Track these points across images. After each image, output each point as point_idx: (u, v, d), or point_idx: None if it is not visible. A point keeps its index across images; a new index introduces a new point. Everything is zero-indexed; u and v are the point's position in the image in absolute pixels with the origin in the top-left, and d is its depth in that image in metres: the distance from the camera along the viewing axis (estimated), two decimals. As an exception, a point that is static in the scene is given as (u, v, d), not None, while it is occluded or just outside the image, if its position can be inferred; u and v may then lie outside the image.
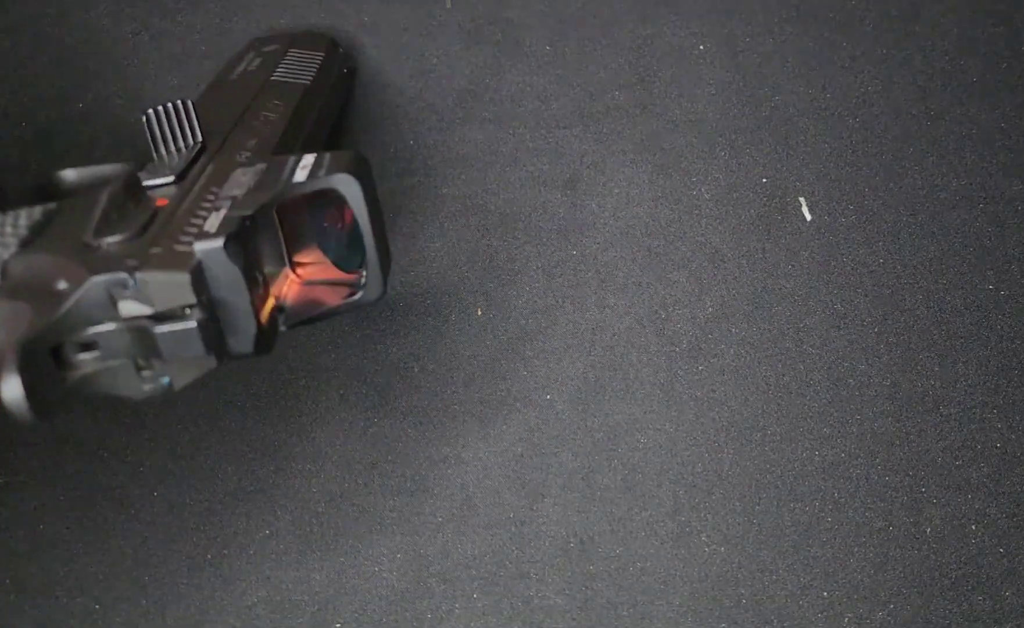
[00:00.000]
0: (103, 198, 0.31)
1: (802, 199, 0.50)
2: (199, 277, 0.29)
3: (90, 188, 0.33)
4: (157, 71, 0.52)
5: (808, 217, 0.49)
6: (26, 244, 0.31)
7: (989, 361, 0.47)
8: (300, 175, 0.33)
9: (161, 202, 0.32)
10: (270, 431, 0.46)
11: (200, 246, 0.29)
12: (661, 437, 0.45)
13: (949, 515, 0.44)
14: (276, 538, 0.44)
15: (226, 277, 0.30)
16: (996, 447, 0.45)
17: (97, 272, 0.29)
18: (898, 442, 0.45)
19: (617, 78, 0.52)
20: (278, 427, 0.46)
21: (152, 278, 0.29)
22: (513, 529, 0.43)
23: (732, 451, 0.45)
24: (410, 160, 0.50)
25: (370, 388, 0.46)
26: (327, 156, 0.34)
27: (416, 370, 0.46)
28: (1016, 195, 0.50)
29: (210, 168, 0.35)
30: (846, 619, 0.42)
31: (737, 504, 0.44)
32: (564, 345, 0.46)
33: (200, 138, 0.36)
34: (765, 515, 0.44)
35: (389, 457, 0.45)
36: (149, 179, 0.34)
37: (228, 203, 0.32)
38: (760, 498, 0.44)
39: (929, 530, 0.44)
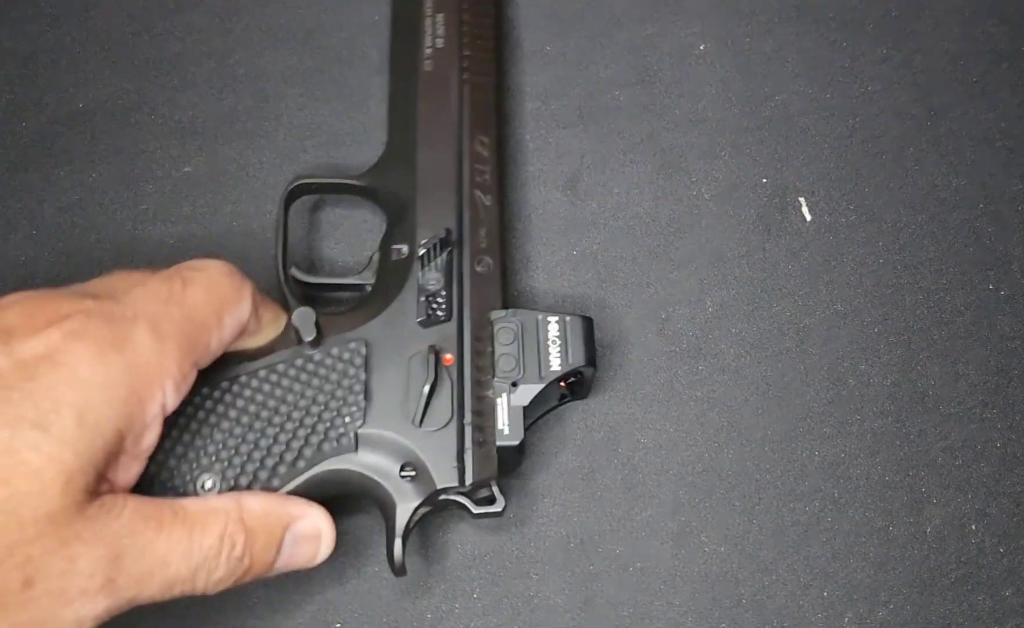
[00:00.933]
0: (424, 392, 0.39)
1: (802, 199, 0.50)
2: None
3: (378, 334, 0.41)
4: (157, 71, 0.52)
5: (808, 217, 0.49)
6: (367, 414, 0.39)
7: (989, 361, 0.47)
8: (555, 364, 0.41)
9: (447, 360, 0.40)
10: (270, 431, 0.46)
11: (501, 444, 0.40)
12: (661, 437, 0.45)
13: (949, 515, 0.44)
14: (276, 538, 0.44)
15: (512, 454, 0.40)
16: (996, 447, 0.45)
17: (441, 489, 0.39)
18: (899, 442, 0.45)
19: (617, 78, 0.52)
20: (278, 427, 0.45)
21: (475, 483, 0.39)
22: (514, 528, 0.43)
23: (732, 451, 0.45)
24: (410, 160, 0.50)
25: (370, 388, 0.46)
26: (568, 332, 0.42)
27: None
28: (1016, 194, 0.50)
29: (468, 315, 0.42)
30: (846, 618, 0.42)
31: (737, 504, 0.44)
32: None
33: (450, 240, 0.43)
34: (765, 515, 0.44)
35: (389, 457, 0.45)
36: (430, 325, 0.41)
37: (506, 388, 0.40)
38: (760, 498, 0.44)
39: (929, 529, 0.44)
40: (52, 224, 0.48)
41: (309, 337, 0.39)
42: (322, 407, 0.39)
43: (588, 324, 0.42)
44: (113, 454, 0.33)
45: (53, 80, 0.51)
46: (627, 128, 0.51)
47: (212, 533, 0.35)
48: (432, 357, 0.39)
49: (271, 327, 0.40)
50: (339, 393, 0.39)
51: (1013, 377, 0.47)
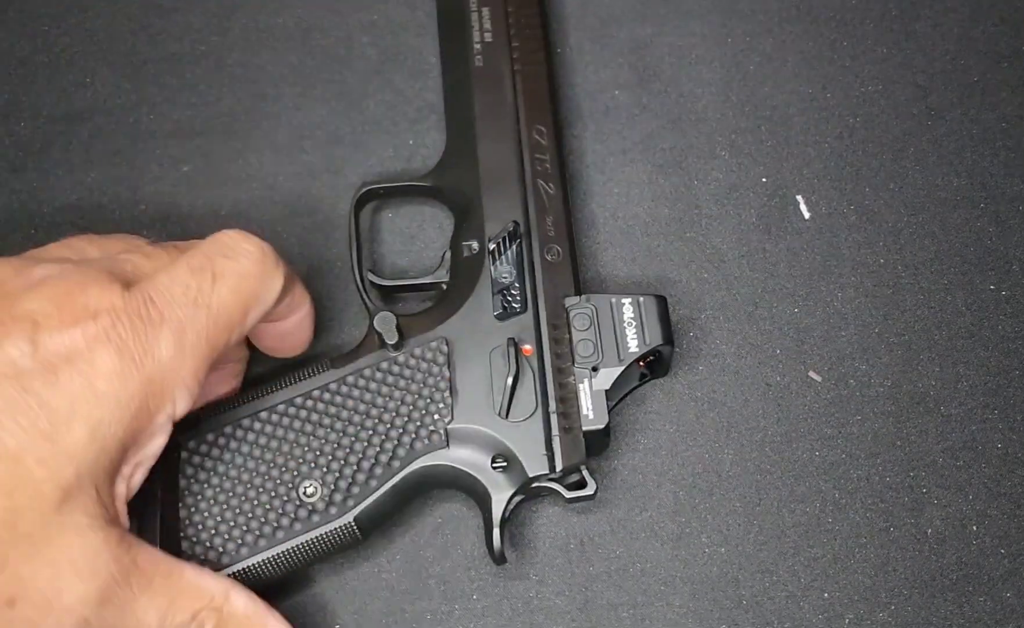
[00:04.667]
0: (508, 384, 0.40)
1: (799, 197, 0.49)
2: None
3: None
4: (156, 71, 0.51)
5: (807, 215, 0.49)
6: (454, 410, 0.40)
7: (990, 361, 0.47)
8: (633, 346, 0.42)
9: (526, 351, 0.41)
10: (269, 432, 0.45)
11: (587, 429, 0.41)
12: (661, 438, 0.45)
13: (950, 516, 0.44)
14: (275, 539, 0.44)
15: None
16: (997, 448, 0.45)
17: (533, 477, 0.40)
18: (899, 443, 0.45)
19: (617, 78, 0.52)
20: (277, 428, 0.45)
21: (565, 468, 0.40)
22: (513, 530, 0.43)
23: (732, 452, 0.45)
24: (410, 160, 0.50)
25: (369, 388, 0.46)
26: (642, 312, 0.42)
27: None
28: (1017, 194, 0.50)
29: (543, 304, 0.43)
30: (847, 620, 0.42)
31: (737, 505, 0.44)
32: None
33: (519, 232, 0.44)
34: (765, 516, 0.44)
35: (388, 458, 0.45)
36: (507, 317, 0.42)
37: (587, 373, 0.41)
38: (760, 499, 0.44)
39: (930, 531, 0.44)
40: (51, 224, 0.48)
41: (392, 340, 0.41)
42: (411, 407, 0.40)
43: (662, 303, 0.43)
44: (115, 468, 0.33)
45: (52, 80, 0.51)
46: (626, 128, 0.51)
47: (188, 608, 0.34)
48: (512, 349, 0.41)
49: (301, 302, 0.41)
50: (425, 392, 0.40)
51: (1014, 378, 0.46)
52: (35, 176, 0.49)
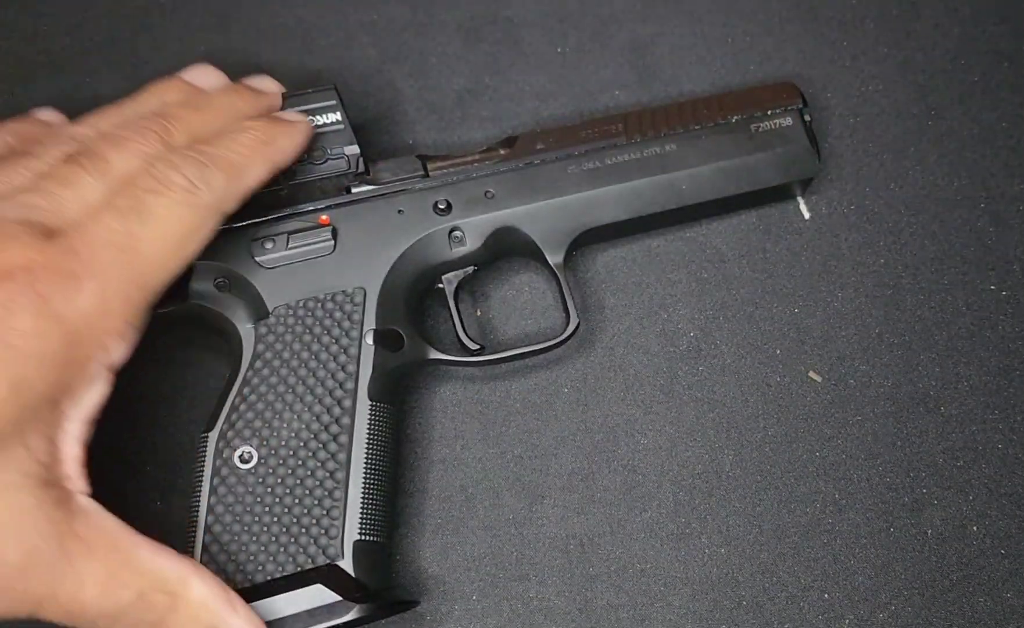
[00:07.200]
0: None
1: (800, 197, 0.49)
2: None
3: None
4: (156, 71, 0.51)
5: (807, 215, 0.49)
6: None
7: (990, 362, 0.47)
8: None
9: None
10: (269, 432, 0.45)
11: None
12: (661, 438, 0.45)
13: (950, 516, 0.44)
14: (275, 539, 0.44)
15: None
16: (997, 448, 0.45)
17: None
18: (899, 443, 0.45)
19: (617, 78, 0.52)
20: (277, 428, 0.45)
21: None
22: (513, 531, 0.43)
23: (732, 452, 0.45)
24: (409, 160, 0.50)
25: (369, 389, 0.46)
26: None
27: (415, 370, 0.46)
28: (1018, 195, 0.50)
29: None
30: (847, 621, 0.42)
31: (737, 505, 0.44)
32: (564, 345, 0.46)
33: None
34: (765, 517, 0.44)
35: (388, 458, 0.45)
36: None
37: None
38: (760, 499, 0.44)
39: (930, 531, 0.44)
40: (50, 224, 0.48)
41: None
42: None
43: None
44: (49, 424, 0.32)
45: (52, 80, 0.51)
46: (627, 128, 0.51)
47: (133, 585, 0.32)
48: None
49: None
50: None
51: (1014, 378, 0.46)
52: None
